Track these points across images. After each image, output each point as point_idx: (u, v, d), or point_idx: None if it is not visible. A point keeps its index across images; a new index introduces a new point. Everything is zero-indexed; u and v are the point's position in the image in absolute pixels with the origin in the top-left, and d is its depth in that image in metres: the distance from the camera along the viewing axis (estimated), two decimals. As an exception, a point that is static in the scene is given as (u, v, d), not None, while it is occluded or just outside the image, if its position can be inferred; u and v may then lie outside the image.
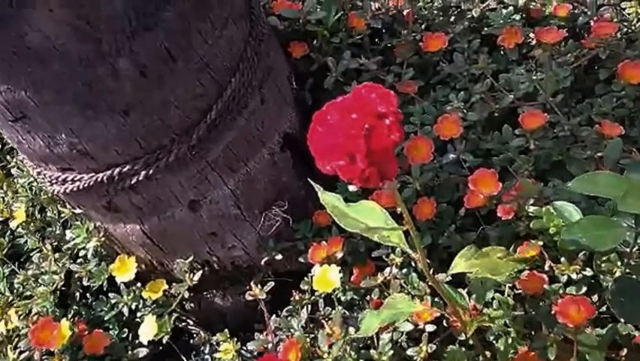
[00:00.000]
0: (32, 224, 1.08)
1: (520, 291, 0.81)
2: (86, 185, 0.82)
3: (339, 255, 0.88)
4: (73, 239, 0.96)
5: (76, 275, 0.96)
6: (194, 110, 0.78)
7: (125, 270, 0.95)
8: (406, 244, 0.57)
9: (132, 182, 0.81)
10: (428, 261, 0.63)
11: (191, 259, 0.93)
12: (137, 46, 0.70)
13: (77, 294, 1.03)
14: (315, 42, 1.00)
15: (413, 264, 0.88)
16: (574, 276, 0.75)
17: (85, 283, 0.96)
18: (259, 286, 0.88)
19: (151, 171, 0.80)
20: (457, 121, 0.86)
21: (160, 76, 0.73)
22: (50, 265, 1.00)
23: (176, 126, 0.78)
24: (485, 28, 1.01)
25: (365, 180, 0.43)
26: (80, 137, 0.76)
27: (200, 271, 0.93)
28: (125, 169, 0.79)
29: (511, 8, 0.99)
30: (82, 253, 0.98)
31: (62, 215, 1.00)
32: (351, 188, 0.45)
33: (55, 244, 1.06)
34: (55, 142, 0.77)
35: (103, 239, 0.93)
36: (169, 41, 0.72)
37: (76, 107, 0.73)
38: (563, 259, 0.76)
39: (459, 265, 0.61)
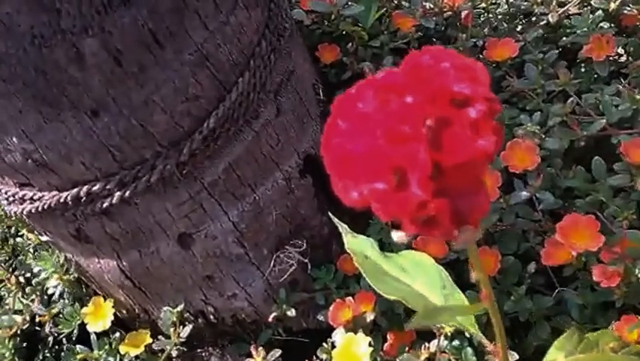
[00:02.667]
0: (3, 250, 0.91)
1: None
2: (46, 206, 0.63)
3: (370, 317, 0.67)
4: (40, 273, 0.78)
5: (37, 319, 0.77)
6: (187, 116, 0.60)
7: (99, 316, 0.76)
8: (476, 327, 0.36)
9: (104, 205, 0.62)
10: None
11: (181, 307, 0.73)
12: (110, 23, 0.52)
13: (50, 339, 0.84)
14: (349, 45, 0.81)
15: (467, 334, 0.66)
16: None
17: (48, 329, 0.77)
18: (262, 352, 0.67)
19: (128, 193, 0.61)
20: (532, 149, 0.65)
21: (141, 66, 0.55)
22: (14, 302, 0.82)
23: (161, 135, 0.60)
24: (564, 38, 0.80)
25: (426, 223, 0.23)
26: (35, 142, 0.58)
27: (191, 325, 0.73)
28: (94, 188, 0.61)
29: (600, 13, 0.78)
30: (51, 290, 0.80)
31: (30, 241, 0.82)
32: (397, 236, 0.24)
33: (29, 275, 0.89)
34: (6, 148, 0.59)
35: (71, 276, 0.74)
36: (154, 21, 0.54)
37: (28, 102, 0.55)
38: (688, 348, 0.54)
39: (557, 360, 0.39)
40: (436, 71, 0.23)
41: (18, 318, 0.80)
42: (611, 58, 0.81)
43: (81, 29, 0.51)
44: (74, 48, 0.52)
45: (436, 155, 0.22)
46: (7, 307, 0.83)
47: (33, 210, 0.65)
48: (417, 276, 0.41)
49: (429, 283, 0.40)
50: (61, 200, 0.62)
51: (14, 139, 0.58)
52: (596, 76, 0.80)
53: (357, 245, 0.46)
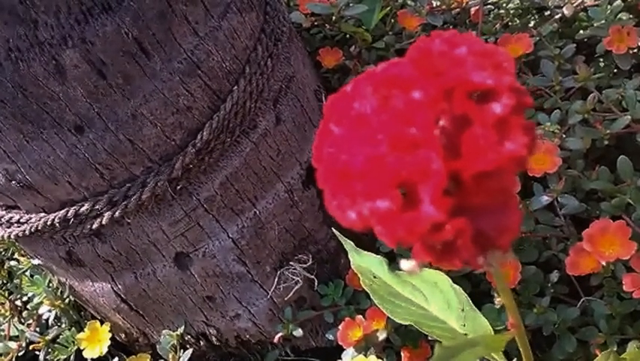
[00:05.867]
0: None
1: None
2: (34, 229, 0.60)
3: (382, 335, 0.63)
4: (34, 298, 0.74)
5: (31, 347, 0.73)
6: (179, 129, 0.56)
7: (96, 341, 0.72)
8: (500, 355, 0.31)
9: (94, 226, 0.58)
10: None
11: (181, 330, 0.69)
12: (92, 33, 0.49)
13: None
14: (352, 48, 0.77)
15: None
16: None
17: (43, 356, 0.73)
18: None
19: (118, 212, 0.57)
20: (553, 150, 0.61)
21: (126, 78, 0.52)
22: (9, 328, 0.78)
23: (151, 150, 0.56)
24: (580, 32, 0.76)
25: (443, 249, 0.19)
26: (17, 162, 0.54)
27: (192, 349, 0.69)
28: (82, 208, 0.57)
29: (618, 3, 0.74)
30: (46, 315, 0.77)
31: (22, 266, 0.79)
32: (406, 266, 0.20)
33: (26, 299, 0.85)
34: (-12, 170, 0.56)
35: (65, 300, 0.70)
36: (139, 29, 0.51)
37: (8, 121, 0.51)
38: None
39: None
40: (450, 59, 0.19)
41: (13, 345, 0.76)
42: (632, 50, 0.77)
43: (60, 40, 0.48)
44: (54, 61, 0.48)
45: (452, 163, 0.18)
46: (2, 333, 0.80)
47: (20, 234, 0.61)
48: (432, 297, 0.37)
49: (445, 305, 0.36)
50: (49, 222, 0.59)
51: (-4, 159, 0.54)
52: (615, 70, 0.76)
53: (365, 264, 0.42)
